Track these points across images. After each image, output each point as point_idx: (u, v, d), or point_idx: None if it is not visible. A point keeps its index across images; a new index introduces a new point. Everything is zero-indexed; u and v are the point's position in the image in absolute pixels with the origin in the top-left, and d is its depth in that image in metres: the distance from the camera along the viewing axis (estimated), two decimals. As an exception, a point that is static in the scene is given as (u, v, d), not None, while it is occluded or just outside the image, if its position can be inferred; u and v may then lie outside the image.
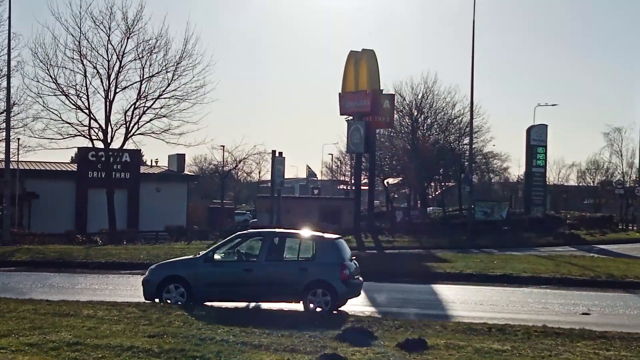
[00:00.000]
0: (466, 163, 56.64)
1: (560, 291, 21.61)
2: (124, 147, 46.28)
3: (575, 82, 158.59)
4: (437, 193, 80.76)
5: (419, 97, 60.43)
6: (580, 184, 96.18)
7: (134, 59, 43.28)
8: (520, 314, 16.95)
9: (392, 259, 31.00)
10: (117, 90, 43.15)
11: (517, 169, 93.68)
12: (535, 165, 54.20)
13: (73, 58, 42.39)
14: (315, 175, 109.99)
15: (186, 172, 73.36)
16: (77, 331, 12.41)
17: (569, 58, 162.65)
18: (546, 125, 55.60)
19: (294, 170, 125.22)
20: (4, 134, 39.91)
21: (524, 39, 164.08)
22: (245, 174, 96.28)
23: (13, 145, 43.73)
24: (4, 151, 39.06)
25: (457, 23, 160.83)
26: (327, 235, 18.65)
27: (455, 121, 62.41)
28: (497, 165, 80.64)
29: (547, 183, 62.60)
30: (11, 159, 41.30)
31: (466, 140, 58.41)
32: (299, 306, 16.54)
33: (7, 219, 39.07)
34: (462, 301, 19.19)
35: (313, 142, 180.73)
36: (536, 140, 53.97)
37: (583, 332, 13.61)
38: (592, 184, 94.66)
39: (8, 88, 38.78)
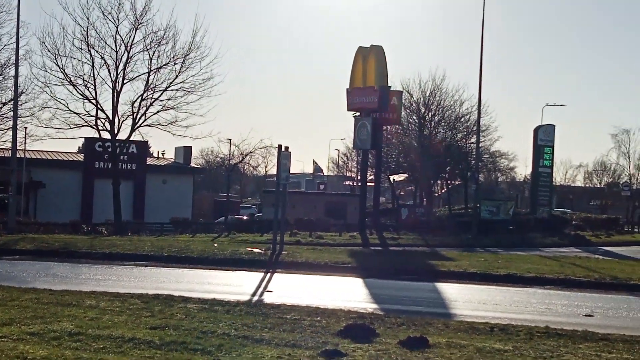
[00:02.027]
0: (473, 161, 56.57)
1: (564, 292, 21.54)
2: (131, 139, 46.32)
3: (584, 83, 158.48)
4: (443, 191, 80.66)
5: (427, 94, 60.43)
6: (587, 185, 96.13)
7: (142, 50, 43.32)
8: (524, 314, 16.89)
9: (396, 256, 30.96)
10: (125, 81, 43.18)
11: (523, 169, 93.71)
12: (542, 165, 54.08)
13: (81, 48, 42.43)
14: (322, 170, 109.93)
15: (193, 164, 73.45)
16: (79, 321, 12.40)
17: (578, 58, 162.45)
18: (554, 126, 55.49)
19: (300, 165, 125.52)
20: (11, 122, 39.96)
21: (533, 38, 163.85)
22: (251, 168, 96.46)
23: (20, 134, 43.90)
24: (11, 140, 39.11)
25: (466, 21, 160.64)
26: None
27: (462, 119, 62.39)
28: (504, 165, 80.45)
29: (554, 183, 62.48)
30: (18, 148, 41.36)
31: (473, 139, 58.35)
32: (302, 300, 16.48)
33: (12, 207, 39.12)
34: (465, 300, 19.13)
35: (320, 137, 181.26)
36: (543, 140, 53.86)
37: (586, 333, 13.55)
38: (598, 186, 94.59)
39: (16, 77, 38.81)
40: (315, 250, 30.51)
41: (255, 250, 28.71)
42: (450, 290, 20.92)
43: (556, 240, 45.14)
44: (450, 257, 29.57)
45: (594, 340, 13.01)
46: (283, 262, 26.00)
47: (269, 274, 23.17)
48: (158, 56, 43.30)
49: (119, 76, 42.85)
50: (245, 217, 58.44)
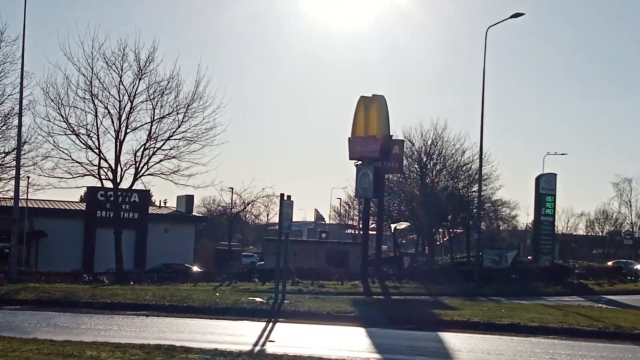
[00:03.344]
0: (475, 210, 56.58)
1: (568, 342, 21.40)
2: (133, 188, 46.32)
3: (585, 132, 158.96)
4: (445, 239, 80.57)
5: (429, 143, 60.70)
6: (589, 234, 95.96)
7: (145, 100, 43.44)
8: (527, 364, 16.76)
9: (398, 305, 30.82)
10: (128, 130, 43.27)
11: (525, 217, 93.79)
12: (544, 213, 54.09)
13: (84, 98, 42.57)
14: (324, 219, 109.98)
15: (194, 213, 73.39)
16: (80, 372, 12.32)
17: (580, 107, 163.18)
18: (555, 174, 55.61)
19: (302, 213, 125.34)
20: (14, 172, 40.03)
21: (534, 87, 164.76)
22: (253, 217, 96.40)
23: (23, 183, 43.89)
24: (14, 189, 39.15)
25: (468, 70, 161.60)
26: None
27: (464, 168, 62.55)
28: (506, 213, 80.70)
29: (556, 232, 62.43)
30: (20, 197, 41.38)
31: (475, 187, 58.43)
32: (304, 350, 16.33)
33: (14, 257, 39.06)
34: (469, 350, 19.01)
35: (322, 185, 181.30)
36: (545, 189, 53.93)
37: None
38: (600, 234, 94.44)
39: (19, 127, 38.95)
40: (317, 299, 30.37)
41: (257, 299, 28.58)
42: (453, 340, 20.78)
43: (559, 289, 44.94)
44: (453, 306, 29.42)
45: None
46: (285, 311, 25.88)
47: (271, 324, 23.05)
48: (161, 106, 43.50)
49: (122, 126, 42.98)
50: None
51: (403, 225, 67.13)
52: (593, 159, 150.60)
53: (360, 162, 45.61)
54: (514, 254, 52.78)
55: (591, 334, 22.87)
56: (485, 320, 24.64)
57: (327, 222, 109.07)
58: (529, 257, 60.74)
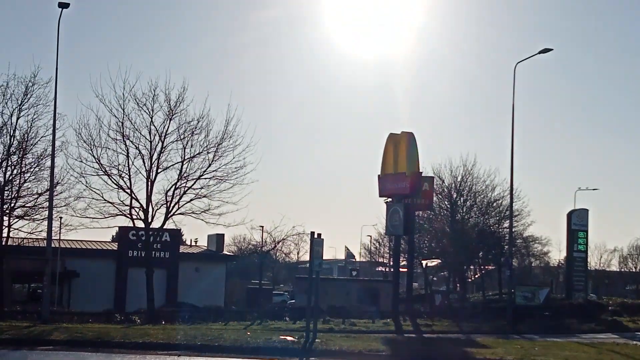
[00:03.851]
0: (506, 246, 56.23)
1: (602, 380, 21.15)
2: (164, 227, 46.51)
3: (616, 166, 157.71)
4: (476, 276, 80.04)
5: (459, 179, 60.52)
6: (622, 270, 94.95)
7: (176, 140, 43.71)
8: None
9: (430, 343, 30.61)
10: (159, 170, 43.52)
11: (557, 253, 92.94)
12: (576, 250, 53.68)
13: (116, 139, 42.88)
14: (354, 256, 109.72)
15: (225, 252, 73.52)
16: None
17: (611, 141, 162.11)
18: (587, 210, 55.23)
19: (332, 251, 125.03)
20: (46, 212, 40.37)
21: (565, 122, 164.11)
22: (283, 255, 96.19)
23: (55, 224, 44.22)
24: (47, 230, 39.46)
25: (497, 105, 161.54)
26: None
27: (495, 204, 62.23)
28: (538, 250, 79.89)
29: (589, 268, 61.85)
30: (53, 238, 41.69)
31: (506, 224, 58.10)
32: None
33: (46, 297, 39.25)
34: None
35: (352, 223, 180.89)
36: (577, 225, 53.55)
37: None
38: (634, 270, 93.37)
39: (52, 168, 39.31)
40: (348, 337, 30.24)
41: (289, 338, 28.52)
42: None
43: (593, 326, 44.44)
44: (485, 345, 29.17)
45: None
46: (316, 350, 25.80)
47: (302, 363, 22.99)
48: (191, 145, 43.71)
49: (153, 165, 43.23)
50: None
51: (434, 262, 66.81)
52: (625, 193, 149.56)
53: (390, 199, 45.54)
54: (546, 291, 52.33)
55: (626, 372, 22.60)
56: (519, 359, 24.42)
57: (358, 259, 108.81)
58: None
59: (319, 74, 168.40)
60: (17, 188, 43.84)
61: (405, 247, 52.83)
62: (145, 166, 43.30)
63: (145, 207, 43.35)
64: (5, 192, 43.35)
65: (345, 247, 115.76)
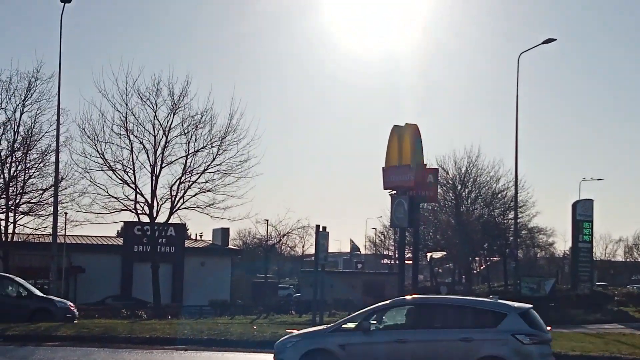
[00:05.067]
0: (511, 238, 56.21)
1: (610, 370, 21.14)
2: (169, 221, 46.53)
3: (621, 156, 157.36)
4: (481, 268, 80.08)
5: (463, 171, 60.51)
6: (628, 260, 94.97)
7: (180, 134, 43.69)
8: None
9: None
10: (163, 165, 43.51)
11: (562, 244, 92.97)
12: (581, 240, 53.54)
13: (120, 134, 42.86)
14: (359, 249, 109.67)
15: (230, 246, 73.61)
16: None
17: (615, 131, 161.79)
18: (592, 200, 55.09)
19: (337, 244, 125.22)
20: (52, 208, 40.45)
21: (569, 112, 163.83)
22: (288, 248, 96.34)
23: (60, 219, 44.34)
24: (52, 226, 39.53)
25: (500, 96, 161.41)
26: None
27: (499, 195, 62.22)
28: (543, 240, 79.85)
29: (594, 258, 61.81)
30: (58, 234, 41.77)
31: (511, 215, 58.05)
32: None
33: (53, 293, 39.34)
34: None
35: (356, 216, 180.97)
36: (582, 215, 53.42)
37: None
38: (639, 260, 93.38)
39: (56, 164, 39.37)
40: (354, 331, 30.20)
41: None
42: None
43: (598, 316, 44.40)
44: (492, 336, 29.10)
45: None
46: (323, 343, 25.76)
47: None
48: (195, 139, 43.68)
49: (157, 160, 43.20)
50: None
51: (439, 254, 66.80)
52: (630, 184, 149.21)
53: (394, 192, 45.46)
54: (552, 281, 52.24)
55: (634, 363, 22.58)
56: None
57: (363, 252, 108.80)
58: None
59: (324, 66, 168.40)
60: (22, 184, 43.98)
61: (410, 239, 52.79)
62: (149, 161, 43.30)
63: (150, 202, 43.37)
64: (10, 188, 43.46)
65: (350, 240, 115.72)
